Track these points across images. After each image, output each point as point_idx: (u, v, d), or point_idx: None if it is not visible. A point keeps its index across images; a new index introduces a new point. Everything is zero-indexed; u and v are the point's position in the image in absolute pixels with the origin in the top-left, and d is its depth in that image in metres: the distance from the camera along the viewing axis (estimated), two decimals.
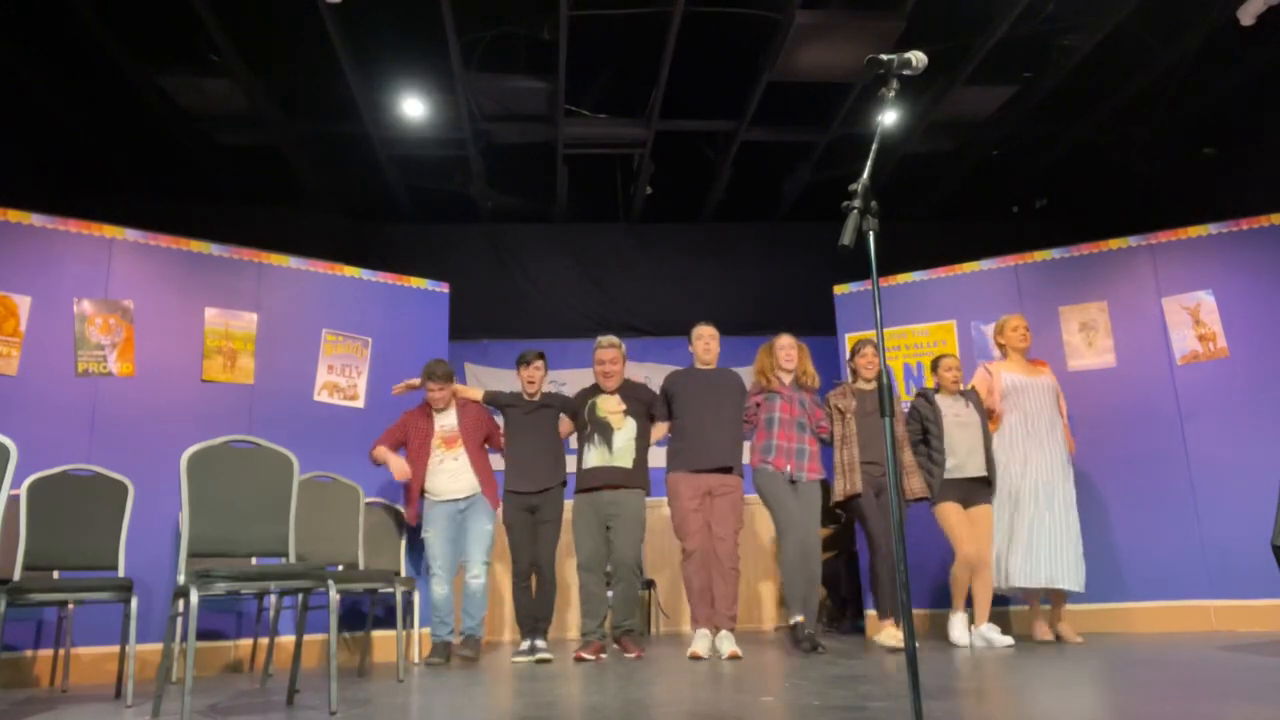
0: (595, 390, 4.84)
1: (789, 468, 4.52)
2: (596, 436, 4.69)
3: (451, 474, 4.72)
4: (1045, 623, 4.65)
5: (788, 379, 4.71)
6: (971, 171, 7.77)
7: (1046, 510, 4.55)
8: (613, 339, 4.88)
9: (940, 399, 4.74)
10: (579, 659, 4.32)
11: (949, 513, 4.58)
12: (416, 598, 5.00)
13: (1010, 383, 4.77)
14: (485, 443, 4.91)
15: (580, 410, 4.81)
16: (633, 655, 4.47)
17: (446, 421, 4.84)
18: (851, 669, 3.54)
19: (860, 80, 6.15)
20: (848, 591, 6.29)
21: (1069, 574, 4.47)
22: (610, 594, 4.77)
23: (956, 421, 4.68)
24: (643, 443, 4.73)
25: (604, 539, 4.62)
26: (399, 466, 4.68)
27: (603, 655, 4.48)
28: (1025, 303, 5.70)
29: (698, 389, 4.67)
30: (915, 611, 5.42)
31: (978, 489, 4.64)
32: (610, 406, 4.74)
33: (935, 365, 4.85)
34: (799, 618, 4.38)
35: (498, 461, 4.89)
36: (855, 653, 4.34)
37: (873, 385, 4.74)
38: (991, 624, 4.52)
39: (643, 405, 4.79)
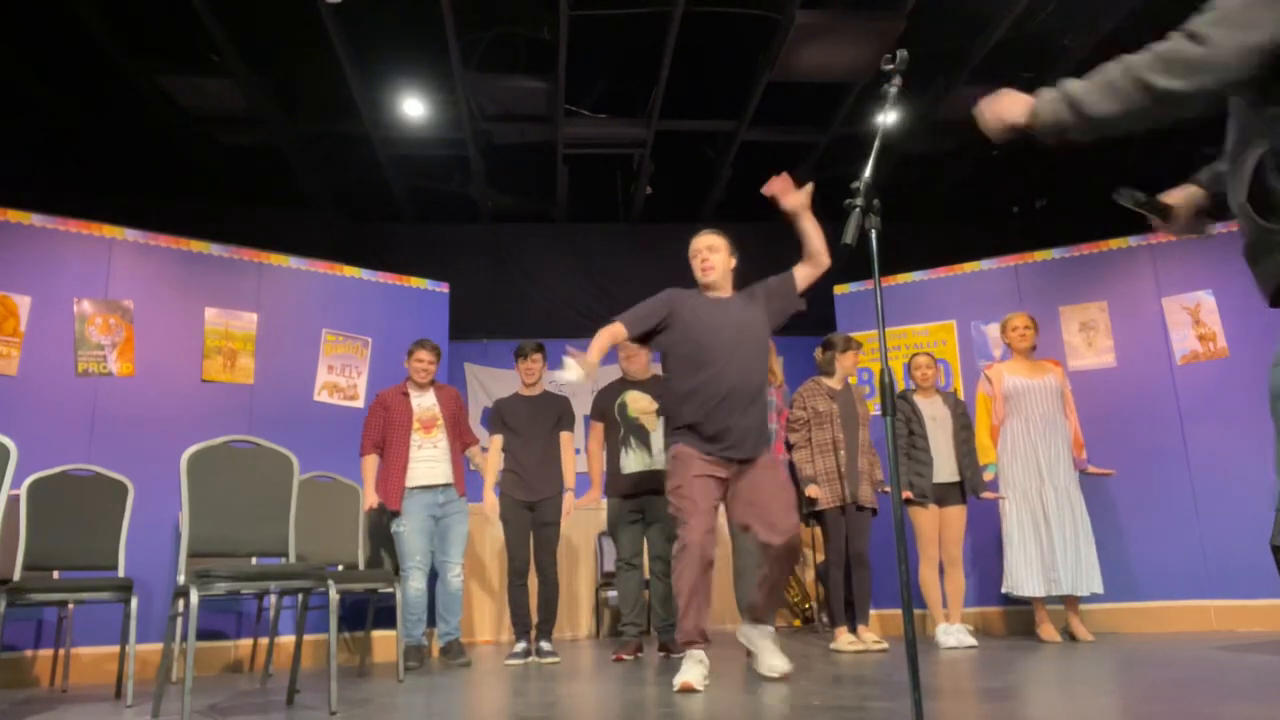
0: (622, 385, 4.73)
1: None
2: (633, 439, 4.59)
3: (430, 462, 4.59)
4: (1050, 623, 4.63)
5: None
6: (971, 171, 7.77)
7: (1060, 516, 4.51)
8: None
9: (917, 399, 4.72)
10: (618, 659, 4.33)
11: (919, 514, 4.59)
12: None
13: (1011, 386, 4.72)
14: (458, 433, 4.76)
15: (607, 412, 4.70)
16: (679, 655, 4.42)
17: (425, 401, 4.66)
18: (851, 669, 3.54)
19: (860, 80, 6.15)
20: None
21: (1088, 579, 4.47)
22: (648, 593, 4.68)
23: (933, 425, 4.66)
24: None
25: (642, 539, 4.58)
26: (369, 498, 4.49)
27: (640, 653, 4.48)
28: (1025, 303, 5.70)
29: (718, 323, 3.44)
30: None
31: (950, 491, 4.64)
32: (642, 406, 4.63)
33: (907, 367, 4.83)
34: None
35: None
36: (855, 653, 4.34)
37: (841, 385, 4.60)
38: (963, 624, 4.54)
39: None
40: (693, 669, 3.13)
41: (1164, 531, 5.12)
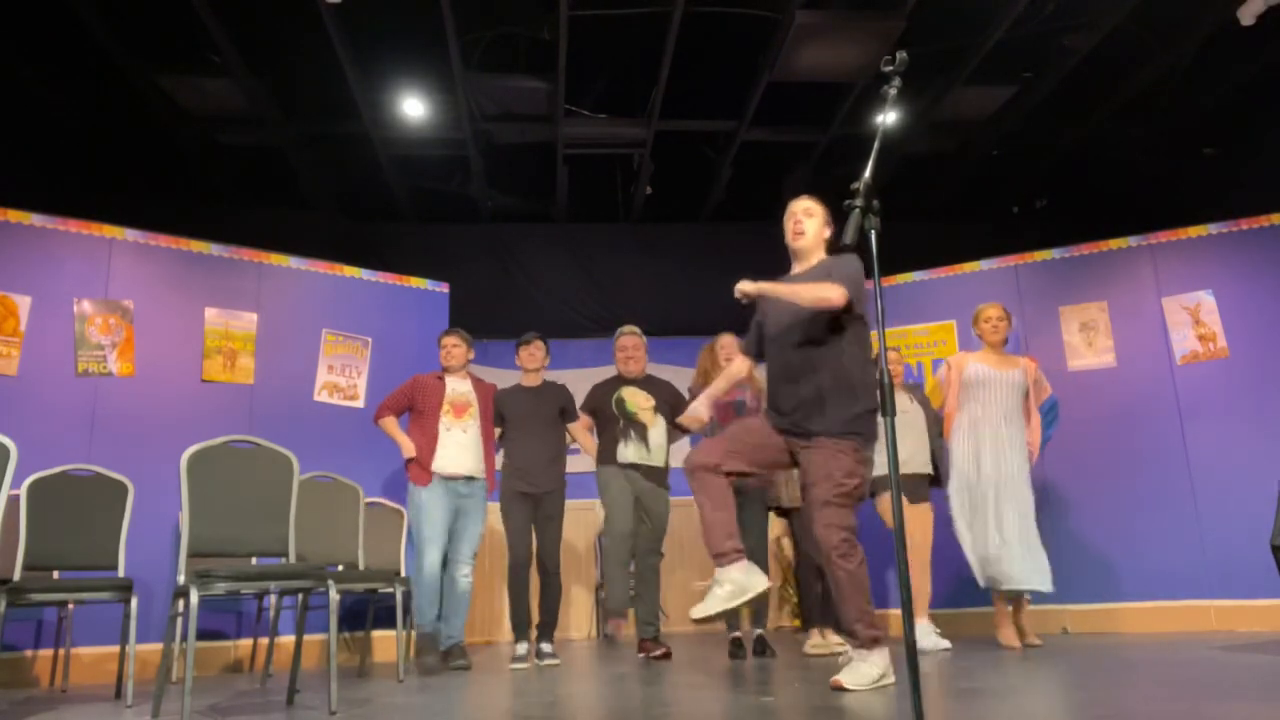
0: (618, 381, 4.74)
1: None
2: (633, 432, 4.58)
3: (460, 446, 4.47)
4: (1010, 627, 4.41)
5: None
6: (971, 171, 7.77)
7: (1005, 509, 4.33)
8: (633, 328, 4.83)
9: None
10: (616, 627, 4.33)
11: (888, 507, 4.45)
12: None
13: (973, 374, 4.54)
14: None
15: (601, 407, 4.70)
16: (659, 653, 4.40)
17: (460, 387, 4.59)
18: None
19: (860, 80, 6.15)
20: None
21: (1034, 574, 4.25)
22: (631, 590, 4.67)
23: (901, 420, 4.50)
24: (668, 442, 4.68)
25: (634, 514, 4.54)
26: (406, 444, 4.43)
27: (622, 630, 4.46)
28: (1025, 303, 5.70)
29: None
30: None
31: (918, 486, 4.54)
32: (640, 401, 4.64)
33: None
34: (749, 630, 4.35)
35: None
36: None
37: None
38: (927, 624, 4.40)
39: (668, 407, 4.68)
40: (720, 592, 2.89)
41: (1164, 531, 5.12)
